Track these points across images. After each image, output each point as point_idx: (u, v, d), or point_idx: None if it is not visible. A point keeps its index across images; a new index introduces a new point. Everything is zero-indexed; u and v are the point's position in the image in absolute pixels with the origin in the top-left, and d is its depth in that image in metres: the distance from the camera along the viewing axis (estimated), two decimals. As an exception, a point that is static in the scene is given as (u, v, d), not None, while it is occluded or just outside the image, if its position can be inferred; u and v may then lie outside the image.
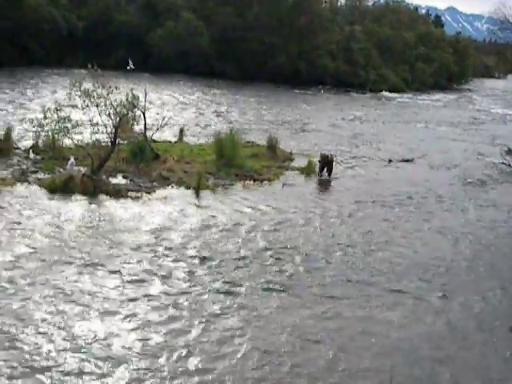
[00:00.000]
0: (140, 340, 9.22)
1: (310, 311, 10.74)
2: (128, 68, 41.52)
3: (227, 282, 11.53)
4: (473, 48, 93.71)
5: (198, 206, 16.36)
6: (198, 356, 9.00)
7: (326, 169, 21.26)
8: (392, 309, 11.26)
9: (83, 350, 8.77)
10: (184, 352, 9.04)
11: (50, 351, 8.69)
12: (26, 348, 8.71)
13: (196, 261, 12.41)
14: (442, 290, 12.28)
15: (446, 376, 9.31)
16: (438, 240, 15.65)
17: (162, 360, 8.81)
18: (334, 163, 21.52)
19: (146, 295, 10.66)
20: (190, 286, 11.18)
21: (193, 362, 8.84)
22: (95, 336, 9.17)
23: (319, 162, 21.31)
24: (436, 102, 59.55)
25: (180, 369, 8.67)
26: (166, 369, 8.62)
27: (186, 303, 10.51)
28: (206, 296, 10.87)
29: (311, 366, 9.08)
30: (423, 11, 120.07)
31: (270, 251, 13.38)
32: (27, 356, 8.52)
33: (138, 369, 8.53)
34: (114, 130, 17.69)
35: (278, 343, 9.57)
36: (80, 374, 8.28)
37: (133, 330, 9.51)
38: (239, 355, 9.18)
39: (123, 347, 8.97)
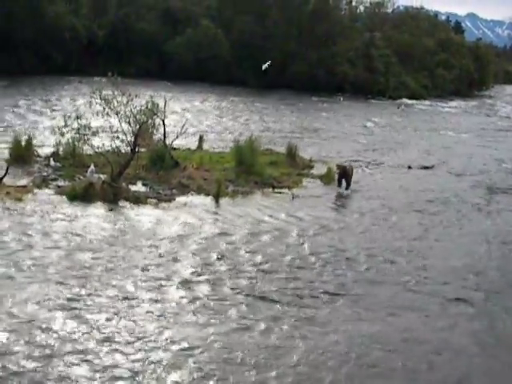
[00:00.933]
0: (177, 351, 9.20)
1: (363, 321, 10.65)
2: (264, 67, 41.88)
3: (254, 289, 11.46)
4: (493, 54, 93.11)
5: (218, 214, 16.34)
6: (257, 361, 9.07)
7: (344, 180, 20.29)
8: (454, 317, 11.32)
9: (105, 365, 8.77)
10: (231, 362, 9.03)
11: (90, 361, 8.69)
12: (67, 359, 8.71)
13: (218, 268, 12.36)
14: (491, 296, 12.37)
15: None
16: (474, 244, 15.68)
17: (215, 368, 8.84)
18: (352, 174, 20.57)
19: (172, 301, 10.66)
20: (212, 294, 11.11)
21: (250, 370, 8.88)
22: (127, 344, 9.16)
23: (336, 174, 20.52)
24: (456, 109, 59.20)
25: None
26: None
27: (207, 310, 10.45)
28: (233, 303, 10.81)
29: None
30: (443, 18, 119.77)
31: (296, 259, 13.29)
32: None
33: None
34: (133, 138, 17.75)
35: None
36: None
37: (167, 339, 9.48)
38: (307, 363, 9.21)
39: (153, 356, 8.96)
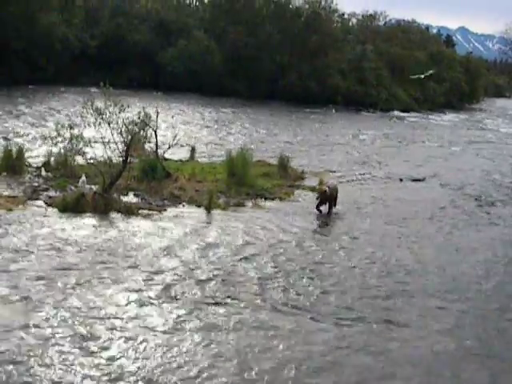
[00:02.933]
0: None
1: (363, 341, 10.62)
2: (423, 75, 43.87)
3: (244, 303, 11.37)
4: (484, 68, 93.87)
5: (209, 225, 16.30)
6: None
7: (327, 204, 18.38)
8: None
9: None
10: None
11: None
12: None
13: (210, 281, 12.27)
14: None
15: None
16: (491, 251, 16.11)
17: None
18: (337, 195, 18.63)
19: (161, 315, 10.56)
20: (206, 308, 11.05)
21: None
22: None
23: (317, 198, 18.22)
24: (447, 122, 59.55)
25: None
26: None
27: (193, 325, 10.40)
28: (226, 319, 10.72)
29: None
30: (434, 31, 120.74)
31: (284, 272, 13.22)
32: None
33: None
34: (125, 148, 17.70)
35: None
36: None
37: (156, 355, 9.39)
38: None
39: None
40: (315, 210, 18.32)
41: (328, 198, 18.21)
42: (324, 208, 18.41)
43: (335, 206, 18.69)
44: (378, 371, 9.45)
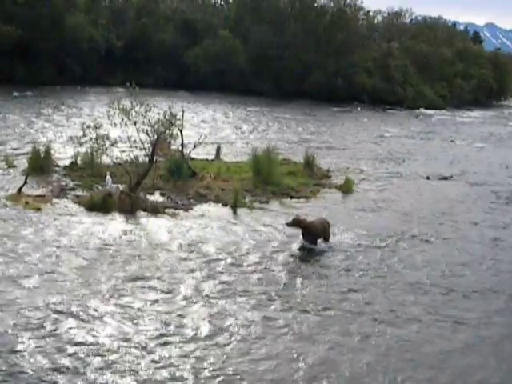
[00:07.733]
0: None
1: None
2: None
3: (274, 302, 11.39)
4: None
5: (235, 223, 16.28)
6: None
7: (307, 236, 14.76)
8: None
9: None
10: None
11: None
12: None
13: (235, 279, 12.27)
14: None
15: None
16: None
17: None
18: (321, 229, 14.88)
19: (189, 314, 10.56)
20: (229, 307, 11.06)
21: None
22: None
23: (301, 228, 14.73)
24: (474, 119, 58.99)
25: None
26: None
27: (227, 324, 10.40)
28: (248, 322, 10.73)
29: None
30: (461, 27, 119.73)
31: (315, 272, 13.22)
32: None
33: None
34: (151, 148, 17.77)
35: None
36: None
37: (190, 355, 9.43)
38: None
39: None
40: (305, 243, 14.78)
41: (307, 230, 14.65)
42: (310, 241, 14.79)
43: (316, 241, 14.87)
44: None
